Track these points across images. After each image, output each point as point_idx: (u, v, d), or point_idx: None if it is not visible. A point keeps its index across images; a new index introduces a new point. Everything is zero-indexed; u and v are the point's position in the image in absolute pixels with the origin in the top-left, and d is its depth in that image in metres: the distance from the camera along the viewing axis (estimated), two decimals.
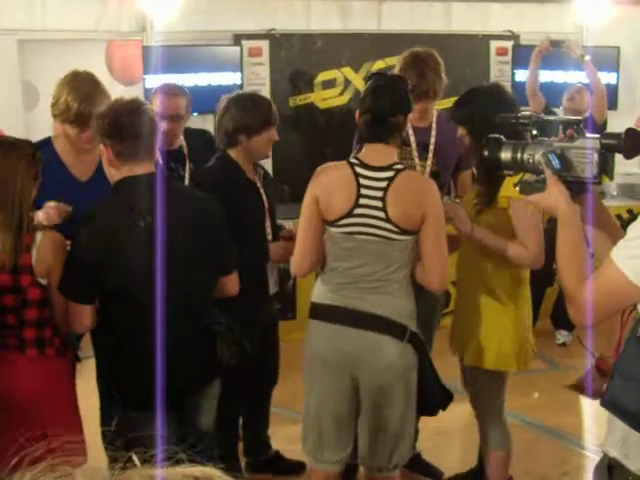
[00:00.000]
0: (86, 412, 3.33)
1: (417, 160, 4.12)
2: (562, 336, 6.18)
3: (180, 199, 3.11)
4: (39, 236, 3.01)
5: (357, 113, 3.30)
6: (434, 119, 4.18)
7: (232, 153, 3.78)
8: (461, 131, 3.65)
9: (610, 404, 2.29)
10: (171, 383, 2.86)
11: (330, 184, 3.22)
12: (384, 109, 3.19)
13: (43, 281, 3.03)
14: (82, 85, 3.55)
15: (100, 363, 3.23)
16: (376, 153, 3.21)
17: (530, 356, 3.69)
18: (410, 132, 4.10)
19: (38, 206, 3.29)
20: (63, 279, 3.03)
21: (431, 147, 4.13)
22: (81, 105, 3.47)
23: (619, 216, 6.70)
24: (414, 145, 4.13)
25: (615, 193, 7.11)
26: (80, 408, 3.27)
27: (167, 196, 2.96)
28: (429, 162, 4.13)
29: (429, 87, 4.03)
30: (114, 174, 3.06)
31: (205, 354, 3.22)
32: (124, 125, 2.98)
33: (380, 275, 3.18)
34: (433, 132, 4.15)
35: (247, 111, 3.73)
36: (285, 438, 4.43)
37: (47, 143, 3.69)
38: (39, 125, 6.16)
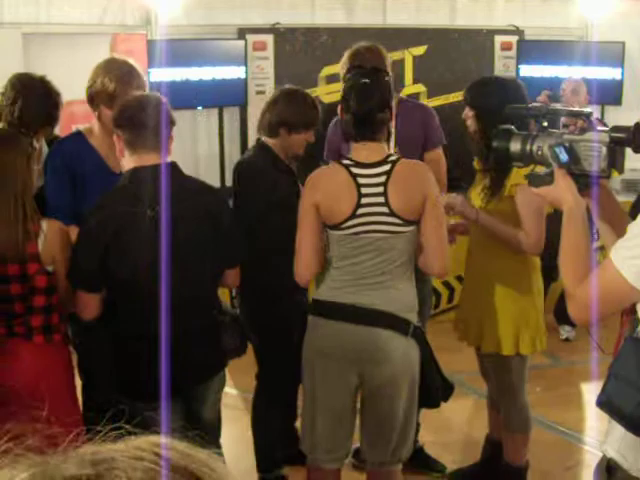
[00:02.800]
0: None
1: None
2: (566, 331, 6.19)
3: (189, 190, 3.14)
4: (44, 225, 3.08)
5: (339, 108, 3.24)
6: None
7: (270, 142, 3.84)
8: (469, 114, 3.69)
9: (605, 405, 2.27)
10: (176, 373, 2.88)
11: (330, 190, 3.18)
12: (371, 109, 3.14)
13: (49, 268, 3.09)
14: (118, 67, 3.62)
15: (101, 352, 3.24)
16: (366, 151, 3.18)
17: (544, 340, 3.81)
18: None
19: (82, 207, 3.38)
20: (70, 267, 3.07)
21: (392, 137, 4.11)
22: (117, 85, 3.53)
23: None
24: None
25: (619, 188, 7.10)
26: None
27: (175, 187, 3.00)
28: (392, 151, 4.11)
29: None
30: (125, 164, 3.11)
31: (210, 345, 3.23)
32: (132, 116, 3.04)
33: (386, 269, 3.17)
34: (392, 122, 4.13)
35: (293, 108, 3.78)
36: None
37: (78, 137, 3.72)
38: None
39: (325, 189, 3.19)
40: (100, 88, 3.55)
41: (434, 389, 3.34)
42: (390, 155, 3.20)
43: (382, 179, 3.13)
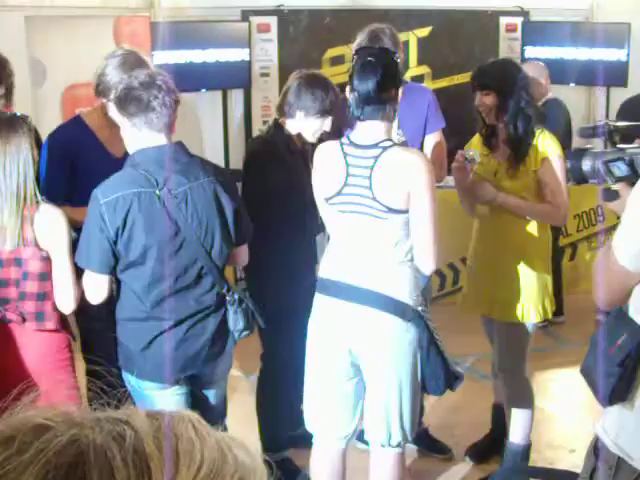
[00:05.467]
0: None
1: None
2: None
3: (196, 169, 3.14)
4: (41, 209, 3.06)
5: (347, 89, 3.24)
6: None
7: (286, 123, 3.83)
8: (485, 98, 3.73)
9: (583, 372, 2.44)
10: (185, 353, 2.90)
11: (323, 164, 3.28)
12: (373, 87, 3.13)
13: (44, 254, 3.06)
14: (132, 65, 3.57)
15: (104, 333, 3.26)
16: (367, 131, 3.17)
17: (553, 307, 3.93)
18: None
19: (81, 191, 3.36)
20: (80, 250, 3.06)
21: (396, 119, 4.12)
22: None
23: None
24: None
25: None
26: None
27: (183, 166, 3.05)
28: (394, 134, 4.10)
29: None
30: (131, 146, 3.12)
31: (219, 324, 3.25)
32: (136, 98, 3.02)
33: (377, 252, 3.17)
34: (397, 105, 4.13)
35: (313, 94, 3.75)
36: None
37: (78, 122, 3.73)
38: (47, 102, 6.15)
39: (320, 163, 3.30)
40: (111, 84, 3.53)
41: (439, 376, 3.33)
42: (386, 140, 3.16)
43: (370, 163, 3.12)
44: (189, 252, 3.02)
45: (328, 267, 3.31)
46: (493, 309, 3.87)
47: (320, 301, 3.31)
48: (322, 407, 3.37)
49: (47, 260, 3.08)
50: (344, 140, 3.22)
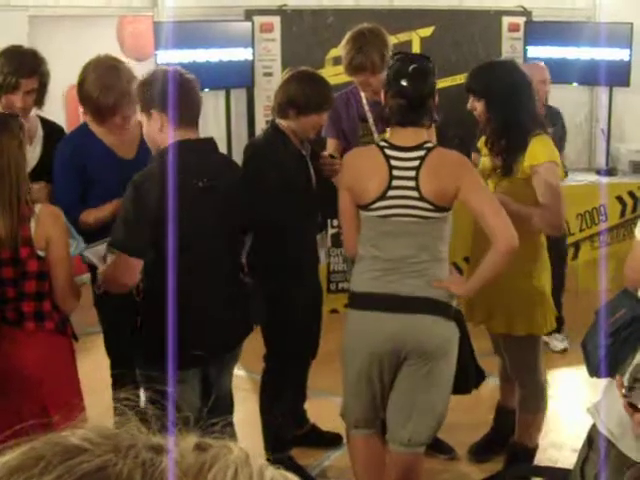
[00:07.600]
0: (96, 386, 3.38)
1: (376, 135, 4.14)
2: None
3: (225, 164, 3.30)
4: (38, 208, 3.07)
5: (383, 93, 3.27)
6: None
7: (282, 123, 3.83)
8: (476, 103, 3.70)
9: (582, 344, 2.57)
10: (212, 339, 3.10)
11: (361, 170, 3.26)
12: (423, 95, 3.18)
13: (41, 253, 3.06)
14: (105, 75, 3.62)
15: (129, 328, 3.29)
16: (409, 135, 3.21)
17: (554, 320, 3.83)
18: (367, 108, 4.13)
19: (92, 196, 3.56)
20: (123, 236, 3.07)
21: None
22: (100, 96, 3.59)
23: (631, 193, 6.70)
24: (371, 120, 4.16)
25: (627, 170, 7.08)
26: (84, 384, 3.32)
27: (218, 159, 3.24)
28: (388, 135, 4.13)
29: (365, 60, 4.04)
30: (163, 140, 3.13)
31: (242, 311, 3.34)
32: (170, 94, 3.06)
33: (423, 257, 3.18)
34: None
35: (303, 90, 3.75)
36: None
37: (84, 129, 3.79)
38: (50, 101, 6.15)
39: (357, 169, 3.28)
40: (86, 95, 3.64)
41: (469, 375, 3.36)
42: (427, 142, 3.21)
43: (415, 164, 3.15)
44: (225, 240, 3.18)
45: (365, 280, 3.27)
46: (490, 323, 3.82)
47: (356, 316, 3.31)
48: (350, 406, 3.43)
49: (45, 260, 3.08)
50: (383, 144, 3.24)
